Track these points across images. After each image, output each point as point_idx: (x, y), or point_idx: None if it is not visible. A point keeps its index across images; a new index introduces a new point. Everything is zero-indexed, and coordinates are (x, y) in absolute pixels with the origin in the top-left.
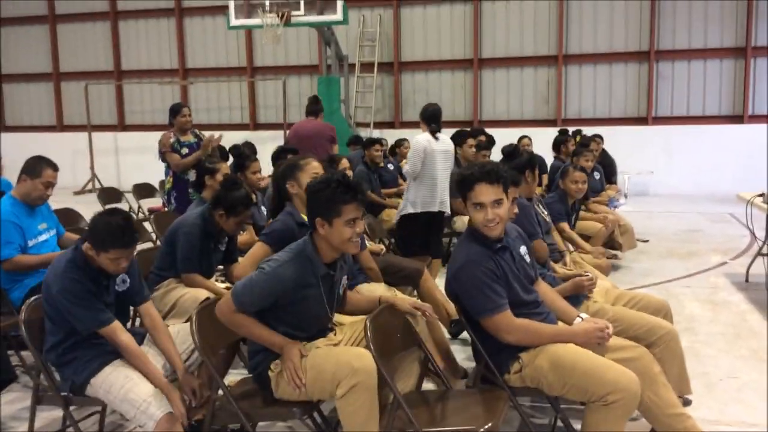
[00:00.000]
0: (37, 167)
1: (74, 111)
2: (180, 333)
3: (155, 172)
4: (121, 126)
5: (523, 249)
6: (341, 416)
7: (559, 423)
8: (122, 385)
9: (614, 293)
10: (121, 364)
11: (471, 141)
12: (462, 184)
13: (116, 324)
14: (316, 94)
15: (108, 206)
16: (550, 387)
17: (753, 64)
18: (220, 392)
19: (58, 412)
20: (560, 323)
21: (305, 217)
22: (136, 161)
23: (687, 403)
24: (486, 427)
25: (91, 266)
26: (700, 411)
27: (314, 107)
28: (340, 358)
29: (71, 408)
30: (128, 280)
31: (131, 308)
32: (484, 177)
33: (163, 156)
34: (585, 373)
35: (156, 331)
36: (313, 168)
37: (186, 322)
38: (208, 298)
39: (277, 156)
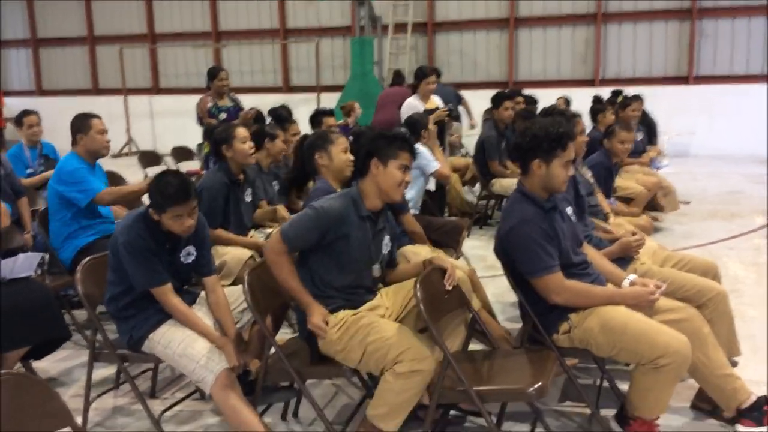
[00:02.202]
0: (85, 122)
1: (109, 75)
2: (229, 295)
3: (191, 135)
4: (156, 89)
5: (569, 210)
6: (386, 386)
7: (605, 384)
8: (181, 340)
9: (662, 254)
10: (169, 324)
11: (508, 103)
12: (557, 141)
13: (168, 286)
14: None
15: (148, 168)
16: (599, 348)
17: None
18: (272, 351)
19: (108, 371)
20: (609, 285)
21: (339, 190)
22: (171, 124)
23: (734, 364)
24: (536, 386)
25: (159, 227)
26: (747, 372)
27: (397, 79)
28: (403, 338)
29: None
30: (194, 253)
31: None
32: (572, 136)
33: (201, 121)
34: (636, 336)
35: (218, 307)
36: (343, 143)
37: (232, 284)
38: (252, 257)
39: (315, 119)
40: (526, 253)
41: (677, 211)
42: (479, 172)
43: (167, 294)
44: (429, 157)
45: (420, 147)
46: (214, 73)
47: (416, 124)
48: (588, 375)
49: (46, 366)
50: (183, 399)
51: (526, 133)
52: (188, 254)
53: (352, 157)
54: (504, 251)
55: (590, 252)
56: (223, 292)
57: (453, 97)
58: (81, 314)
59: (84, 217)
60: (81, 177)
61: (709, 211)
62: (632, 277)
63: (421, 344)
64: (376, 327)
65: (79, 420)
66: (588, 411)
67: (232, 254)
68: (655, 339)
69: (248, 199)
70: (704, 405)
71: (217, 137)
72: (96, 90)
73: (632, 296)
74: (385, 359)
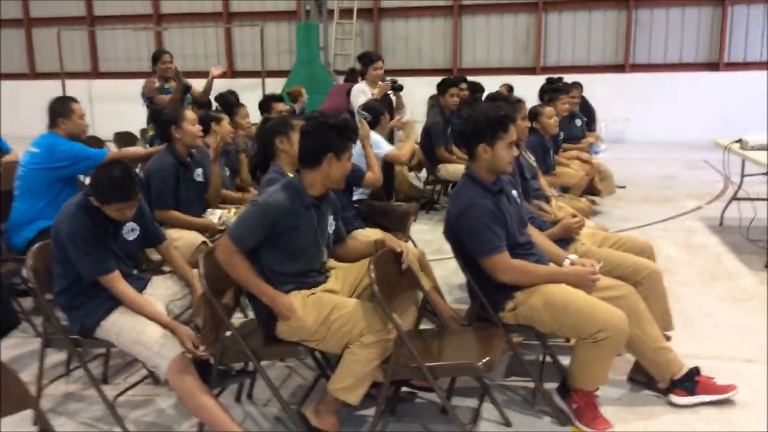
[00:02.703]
0: (66, 106)
1: (46, 58)
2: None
3: (131, 121)
4: (95, 73)
5: (515, 192)
6: (352, 358)
7: (548, 359)
8: (132, 327)
9: (600, 236)
10: (121, 310)
11: (453, 90)
12: (498, 124)
13: (115, 274)
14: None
15: None
16: (543, 325)
17: (730, 11)
18: (227, 333)
19: (58, 357)
20: (551, 264)
21: (291, 176)
22: (111, 109)
23: (668, 338)
24: (484, 361)
25: (99, 212)
26: (680, 346)
27: (350, 76)
28: (366, 312)
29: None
30: (137, 228)
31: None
32: (513, 118)
33: (150, 101)
34: (577, 312)
35: (180, 269)
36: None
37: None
38: (204, 243)
39: (265, 104)
40: (475, 235)
41: (613, 195)
42: (426, 157)
43: (115, 281)
44: (380, 143)
45: (372, 134)
46: (157, 56)
47: (375, 111)
48: (532, 351)
49: None
50: (136, 384)
51: (470, 119)
52: (131, 230)
53: None
54: (453, 234)
55: (534, 233)
56: (178, 254)
57: None
58: (27, 302)
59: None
60: (80, 149)
61: (643, 195)
62: (572, 257)
63: (384, 319)
64: (338, 304)
65: None
66: (532, 385)
67: (183, 239)
68: (595, 315)
69: (199, 179)
70: (640, 377)
71: (165, 118)
72: (33, 74)
73: (574, 275)
74: (351, 333)
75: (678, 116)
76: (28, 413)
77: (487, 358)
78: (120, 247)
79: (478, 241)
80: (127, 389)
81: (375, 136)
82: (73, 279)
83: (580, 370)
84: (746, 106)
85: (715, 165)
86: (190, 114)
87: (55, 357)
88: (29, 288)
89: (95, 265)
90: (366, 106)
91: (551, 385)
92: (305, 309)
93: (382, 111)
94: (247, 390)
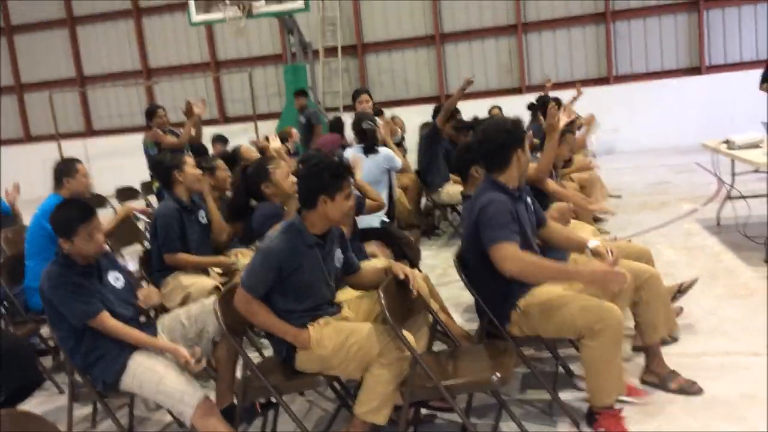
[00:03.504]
0: (71, 167)
1: (40, 121)
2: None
3: (130, 175)
4: (90, 132)
5: (529, 200)
6: (374, 380)
7: (561, 370)
8: (151, 379)
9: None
10: (139, 355)
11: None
12: (520, 130)
13: (104, 314)
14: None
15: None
16: (544, 331)
17: (706, 16)
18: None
19: (83, 411)
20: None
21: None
22: (108, 165)
23: (674, 340)
24: (498, 375)
25: (75, 262)
26: (686, 346)
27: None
28: (381, 336)
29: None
30: (121, 277)
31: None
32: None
33: (158, 147)
34: (571, 309)
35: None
36: (284, 167)
37: None
38: (217, 287)
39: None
40: (491, 224)
41: (610, 203)
42: (425, 183)
43: (104, 321)
44: (393, 157)
45: (385, 149)
46: (152, 111)
47: (374, 120)
48: (545, 364)
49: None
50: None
51: (498, 134)
52: (116, 279)
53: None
54: (474, 232)
55: (551, 224)
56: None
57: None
58: (47, 361)
59: None
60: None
61: (639, 202)
62: (595, 242)
63: (397, 341)
64: (353, 329)
65: None
66: (548, 396)
67: (195, 286)
68: (588, 308)
69: (203, 221)
70: (652, 378)
71: (167, 164)
72: (27, 138)
73: (589, 275)
74: (370, 354)
75: (665, 122)
76: None
77: (501, 373)
78: (113, 297)
79: (492, 229)
80: None
81: (388, 152)
82: (76, 338)
83: (593, 380)
84: (731, 107)
85: (706, 167)
86: (188, 159)
87: (79, 412)
88: (48, 347)
89: (81, 308)
90: (364, 116)
91: (566, 395)
92: (323, 338)
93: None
94: (271, 425)
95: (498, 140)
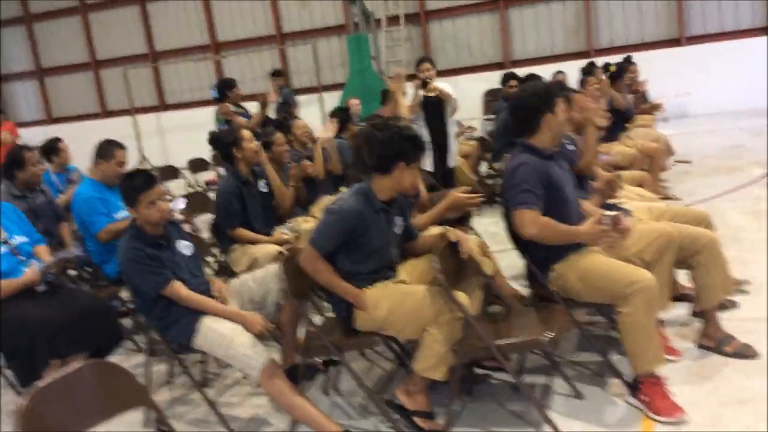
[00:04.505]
0: (108, 150)
1: (116, 97)
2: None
3: (201, 147)
4: (163, 106)
5: (564, 164)
6: (431, 339)
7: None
8: (221, 342)
9: (657, 210)
10: (208, 319)
11: (513, 82)
12: (552, 93)
13: (176, 283)
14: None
15: (168, 183)
16: (578, 295)
17: None
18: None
19: (159, 368)
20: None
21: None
22: (180, 139)
23: (733, 304)
24: (549, 335)
25: (146, 233)
26: (748, 310)
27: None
28: (434, 298)
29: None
30: (191, 246)
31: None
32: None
33: (228, 124)
34: (603, 275)
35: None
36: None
37: None
38: (281, 252)
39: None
40: (515, 189)
41: (678, 169)
42: (494, 150)
43: (177, 290)
44: None
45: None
46: (232, 84)
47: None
48: (600, 327)
49: None
50: (234, 385)
51: (525, 96)
52: (186, 247)
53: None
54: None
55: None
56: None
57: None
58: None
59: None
60: (91, 208)
61: (710, 167)
62: (610, 213)
63: (450, 302)
64: (409, 292)
65: None
66: (600, 358)
67: (261, 252)
68: (620, 272)
69: (264, 189)
70: (708, 342)
71: (225, 140)
72: (104, 113)
73: (585, 233)
74: (425, 316)
75: (741, 84)
76: (140, 418)
77: (552, 333)
78: (184, 265)
79: (515, 194)
80: (226, 391)
81: None
82: (152, 302)
83: (631, 347)
84: None
85: None
86: (245, 133)
87: (156, 368)
88: (128, 309)
89: (154, 279)
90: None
91: (618, 358)
92: (380, 299)
93: None
94: (333, 383)
95: (529, 104)
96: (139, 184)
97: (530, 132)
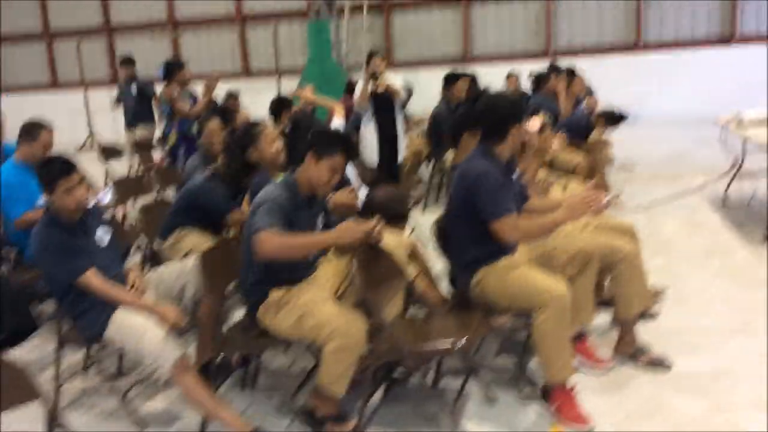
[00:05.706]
0: (34, 131)
1: (68, 69)
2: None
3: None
4: (115, 80)
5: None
6: (325, 359)
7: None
8: (132, 336)
9: (582, 220)
10: (122, 311)
11: (460, 83)
12: (519, 107)
13: (88, 273)
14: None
15: (110, 161)
16: (496, 300)
17: None
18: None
19: (76, 356)
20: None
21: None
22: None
23: (652, 315)
24: (461, 341)
25: (62, 220)
26: (671, 321)
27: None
28: (333, 317)
29: None
30: (108, 234)
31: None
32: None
33: (171, 111)
34: (520, 282)
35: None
36: (272, 133)
37: None
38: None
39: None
40: (492, 197)
41: (623, 173)
42: (433, 147)
43: (90, 280)
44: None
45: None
46: (181, 66)
47: None
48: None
49: (21, 354)
50: (147, 377)
51: (499, 103)
52: (103, 235)
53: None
54: (463, 196)
55: (534, 203)
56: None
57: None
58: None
59: None
60: (10, 194)
61: (652, 173)
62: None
63: (351, 320)
64: (310, 308)
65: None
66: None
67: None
68: (536, 282)
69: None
70: (625, 349)
71: (238, 140)
72: (55, 85)
73: (568, 209)
74: (319, 338)
75: (694, 93)
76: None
77: (464, 339)
78: (100, 255)
79: (494, 203)
80: (137, 382)
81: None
82: (64, 290)
83: (543, 355)
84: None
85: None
86: (269, 129)
87: (72, 358)
88: (44, 294)
89: (67, 268)
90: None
91: (536, 363)
92: (281, 313)
93: None
94: (251, 380)
95: (499, 112)
96: (56, 170)
97: (496, 140)
